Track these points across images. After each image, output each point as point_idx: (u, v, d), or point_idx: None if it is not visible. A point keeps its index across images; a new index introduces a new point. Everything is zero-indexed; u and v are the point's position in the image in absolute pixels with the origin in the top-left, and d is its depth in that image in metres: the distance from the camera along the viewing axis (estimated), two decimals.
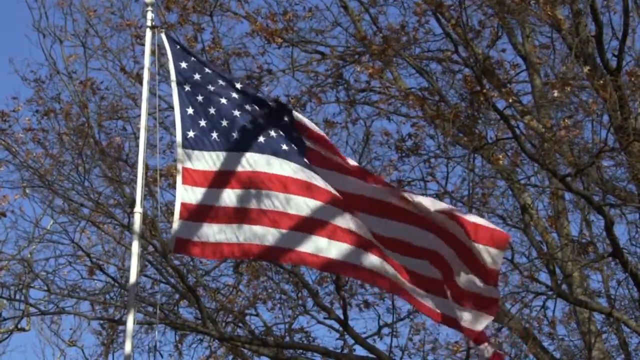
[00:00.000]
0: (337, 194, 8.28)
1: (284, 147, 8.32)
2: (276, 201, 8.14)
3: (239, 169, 8.18)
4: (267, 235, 8.09)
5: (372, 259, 8.27)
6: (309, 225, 8.17)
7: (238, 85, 8.51)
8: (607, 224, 11.61)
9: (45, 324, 17.73)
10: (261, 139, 8.28)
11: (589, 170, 11.86)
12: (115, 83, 14.34)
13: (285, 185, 8.19)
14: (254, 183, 8.17)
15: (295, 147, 8.37)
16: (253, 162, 8.20)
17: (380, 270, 8.29)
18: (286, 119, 8.48)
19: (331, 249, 8.18)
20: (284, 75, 14.40)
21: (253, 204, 8.11)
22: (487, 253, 8.30)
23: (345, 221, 8.24)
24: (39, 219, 15.67)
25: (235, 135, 8.23)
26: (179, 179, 7.96)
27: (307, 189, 8.21)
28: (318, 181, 8.26)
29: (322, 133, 8.59)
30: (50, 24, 14.19)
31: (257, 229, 8.09)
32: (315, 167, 8.33)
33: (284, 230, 8.11)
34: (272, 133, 8.36)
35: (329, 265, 8.39)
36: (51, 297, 14.62)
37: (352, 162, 8.65)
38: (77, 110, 13.71)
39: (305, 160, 8.34)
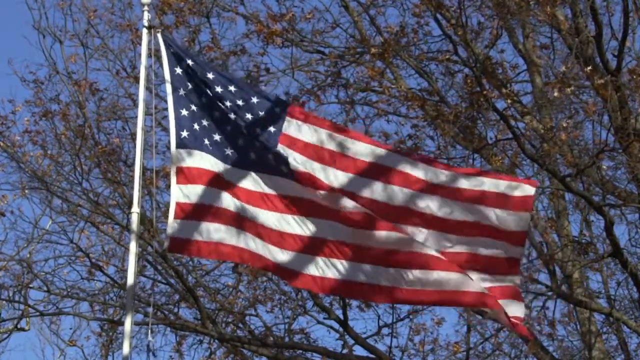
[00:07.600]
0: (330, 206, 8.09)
1: (271, 159, 8.15)
2: (274, 220, 8.02)
3: (238, 182, 8.04)
4: (269, 250, 7.96)
5: (367, 269, 8.01)
6: (308, 246, 7.99)
7: (232, 88, 8.30)
8: (607, 224, 11.60)
9: (45, 324, 17.72)
10: (252, 154, 8.15)
11: (589, 171, 11.85)
12: (115, 83, 14.35)
13: (275, 204, 8.07)
14: (253, 200, 8.03)
15: (283, 159, 8.19)
16: (247, 179, 8.09)
17: (378, 282, 7.99)
18: (282, 119, 8.31)
19: (330, 269, 7.99)
20: (284, 75, 14.39)
21: (252, 218, 7.97)
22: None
23: (327, 232, 8.02)
24: (38, 220, 15.67)
25: (227, 151, 8.15)
26: (173, 179, 7.92)
27: (294, 206, 8.06)
28: (302, 194, 8.11)
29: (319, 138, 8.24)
30: (50, 24, 14.18)
31: (259, 241, 7.96)
32: (298, 185, 8.12)
33: (288, 251, 7.97)
34: (259, 144, 8.16)
35: (331, 289, 8.21)
36: (50, 298, 14.60)
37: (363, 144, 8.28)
38: (76, 110, 13.69)
39: (292, 175, 8.10)
